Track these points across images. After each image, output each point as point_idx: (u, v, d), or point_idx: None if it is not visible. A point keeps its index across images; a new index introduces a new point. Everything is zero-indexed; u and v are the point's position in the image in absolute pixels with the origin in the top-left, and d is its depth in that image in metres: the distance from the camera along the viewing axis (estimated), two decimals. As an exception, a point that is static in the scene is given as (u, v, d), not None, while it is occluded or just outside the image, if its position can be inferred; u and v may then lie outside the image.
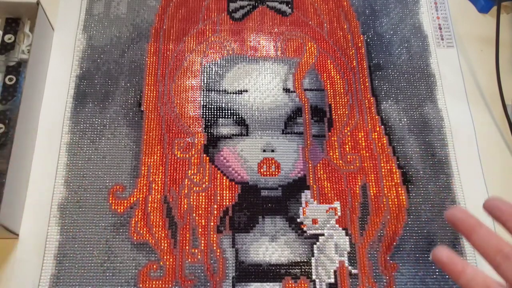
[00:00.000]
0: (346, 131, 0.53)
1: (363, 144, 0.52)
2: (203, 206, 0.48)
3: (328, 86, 0.55)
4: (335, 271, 0.46)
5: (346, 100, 0.54)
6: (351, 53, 0.57)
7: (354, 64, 0.56)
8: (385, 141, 0.53)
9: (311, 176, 0.50)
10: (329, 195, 0.50)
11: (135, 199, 0.48)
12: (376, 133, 0.53)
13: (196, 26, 0.57)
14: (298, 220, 0.48)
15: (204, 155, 0.50)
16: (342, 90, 0.55)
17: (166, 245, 0.46)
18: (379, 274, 0.47)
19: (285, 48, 0.57)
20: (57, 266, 0.45)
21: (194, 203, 0.48)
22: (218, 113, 0.52)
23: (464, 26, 0.60)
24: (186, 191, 0.49)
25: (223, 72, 0.55)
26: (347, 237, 0.48)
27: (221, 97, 0.53)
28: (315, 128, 0.53)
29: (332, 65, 0.56)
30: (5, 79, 0.49)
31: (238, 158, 0.50)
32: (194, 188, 0.49)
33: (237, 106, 0.53)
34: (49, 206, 0.47)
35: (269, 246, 0.47)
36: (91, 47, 0.55)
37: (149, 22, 0.57)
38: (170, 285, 0.45)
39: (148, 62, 0.55)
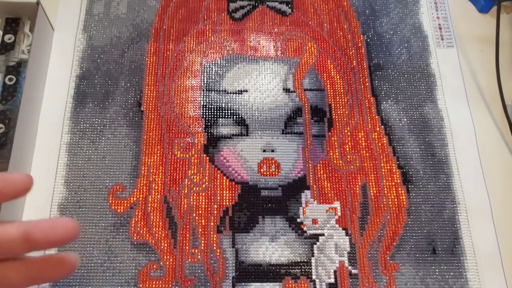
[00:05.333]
0: (346, 131, 0.53)
1: (363, 144, 0.52)
2: (203, 206, 0.48)
3: (328, 86, 0.55)
4: (335, 271, 0.46)
5: (346, 100, 0.54)
6: (351, 53, 0.57)
7: (354, 64, 0.56)
8: (385, 141, 0.53)
9: (311, 176, 0.50)
10: (329, 195, 0.50)
11: (135, 199, 0.48)
12: (376, 133, 0.53)
13: (196, 26, 0.57)
14: (298, 220, 0.48)
15: (204, 155, 0.50)
16: (342, 90, 0.55)
17: (166, 245, 0.46)
18: (379, 274, 0.47)
19: (285, 48, 0.57)
20: (57, 266, 0.45)
21: (194, 203, 0.48)
22: (218, 113, 0.52)
23: (464, 26, 0.60)
24: (186, 191, 0.49)
25: (223, 72, 0.55)
26: (347, 237, 0.48)
27: (221, 97, 0.53)
28: (315, 128, 0.53)
29: (332, 65, 0.56)
30: (5, 79, 0.49)
31: (238, 158, 0.50)
32: (194, 188, 0.49)
33: (237, 106, 0.53)
34: (49, 206, 0.47)
35: (269, 246, 0.47)
36: (91, 47, 0.55)
37: (149, 22, 0.57)
38: (170, 285, 0.45)
39: (148, 62, 0.55)
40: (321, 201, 0.49)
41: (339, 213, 0.49)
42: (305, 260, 0.47)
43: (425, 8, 0.61)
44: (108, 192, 0.48)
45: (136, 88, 0.53)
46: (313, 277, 0.46)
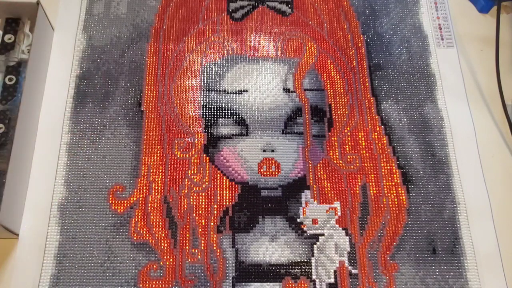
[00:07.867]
0: (346, 131, 0.53)
1: (363, 144, 0.52)
2: (203, 206, 0.48)
3: (328, 86, 0.55)
4: (335, 271, 0.46)
5: (346, 100, 0.54)
6: (351, 53, 0.57)
7: (354, 64, 0.56)
8: (385, 141, 0.53)
9: (311, 176, 0.50)
10: (329, 195, 0.50)
11: (135, 199, 0.48)
12: (376, 133, 0.53)
13: (196, 26, 0.57)
14: (298, 220, 0.48)
15: (204, 155, 0.50)
16: (342, 90, 0.55)
17: (166, 245, 0.46)
18: (379, 274, 0.47)
19: (285, 48, 0.57)
20: (57, 266, 0.45)
21: (194, 203, 0.48)
22: (218, 113, 0.52)
23: (464, 26, 0.60)
24: (186, 191, 0.49)
25: (223, 72, 0.55)
26: (347, 237, 0.48)
27: (221, 97, 0.53)
28: (315, 128, 0.53)
29: (332, 65, 0.56)
30: (5, 79, 0.49)
31: (238, 158, 0.50)
32: (194, 188, 0.49)
33: (237, 106, 0.53)
34: (49, 206, 0.47)
35: (269, 246, 0.47)
36: (91, 47, 0.55)
37: (149, 22, 0.57)
38: (170, 285, 0.45)
39: (148, 62, 0.55)
40: (321, 201, 0.49)
41: (339, 213, 0.49)
42: (305, 260, 0.47)
43: (425, 8, 0.61)
44: (108, 192, 0.48)
45: (136, 88, 0.53)
46: (313, 277, 0.46)
